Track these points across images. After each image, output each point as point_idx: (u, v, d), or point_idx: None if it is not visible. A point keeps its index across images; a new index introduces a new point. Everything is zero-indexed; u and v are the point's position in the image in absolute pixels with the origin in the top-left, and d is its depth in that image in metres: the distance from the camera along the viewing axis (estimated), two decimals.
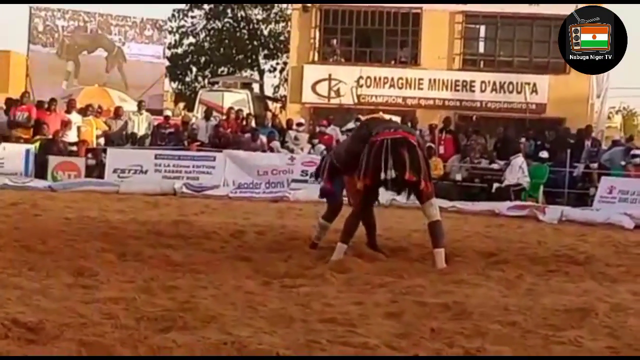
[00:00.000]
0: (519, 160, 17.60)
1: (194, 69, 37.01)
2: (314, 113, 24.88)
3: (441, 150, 19.55)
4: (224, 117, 21.36)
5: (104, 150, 18.62)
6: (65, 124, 18.86)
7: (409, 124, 20.21)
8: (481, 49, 26.52)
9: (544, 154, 18.39)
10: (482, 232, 12.09)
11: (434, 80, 24.88)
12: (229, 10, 36.76)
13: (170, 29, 34.85)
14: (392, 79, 25.06)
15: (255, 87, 33.19)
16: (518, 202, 16.38)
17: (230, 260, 8.14)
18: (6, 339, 4.60)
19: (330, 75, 25.22)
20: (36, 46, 29.08)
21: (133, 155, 18.60)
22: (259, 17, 37.19)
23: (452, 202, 16.06)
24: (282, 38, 35.88)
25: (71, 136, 18.92)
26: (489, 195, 17.40)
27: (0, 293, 5.87)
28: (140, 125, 20.47)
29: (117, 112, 20.65)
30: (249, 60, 37.34)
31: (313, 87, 25.23)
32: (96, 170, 18.34)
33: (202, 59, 36.97)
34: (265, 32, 37.26)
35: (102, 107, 20.66)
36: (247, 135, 19.70)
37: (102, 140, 19.67)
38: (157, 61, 30.71)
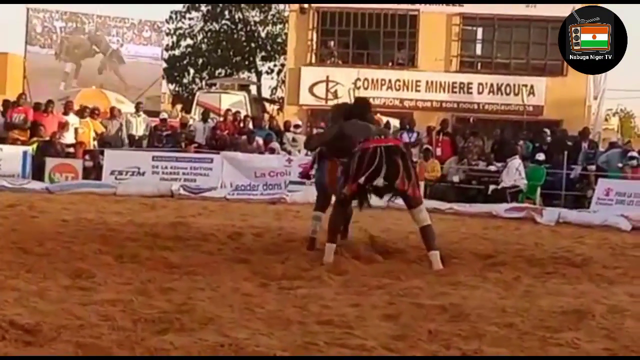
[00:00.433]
0: (515, 162, 17.61)
1: (192, 71, 37.02)
2: (311, 115, 24.91)
3: (438, 152, 19.55)
4: (221, 119, 21.35)
5: (102, 152, 18.60)
6: (63, 126, 18.85)
7: (407, 127, 20.40)
8: (478, 51, 26.57)
9: (541, 156, 18.40)
10: (479, 234, 12.09)
11: (431, 82, 24.92)
12: (226, 12, 36.78)
13: (167, 30, 34.87)
14: (390, 81, 25.10)
15: (253, 89, 33.21)
16: (515, 204, 16.39)
17: (228, 262, 8.14)
18: (3, 341, 4.59)
19: (327, 77, 25.25)
20: (34, 47, 29.03)
21: (130, 157, 18.58)
22: (257, 19, 37.21)
23: (450, 204, 16.07)
24: (279, 40, 35.88)
25: (68, 138, 18.90)
26: (486, 197, 17.41)
27: None
28: (138, 127, 20.45)
29: (112, 113, 20.61)
30: (247, 62, 37.35)
31: (310, 89, 25.26)
32: (93, 172, 18.31)
33: (200, 61, 36.98)
34: (263, 34, 37.27)
35: (99, 109, 20.62)
36: (245, 137, 19.70)
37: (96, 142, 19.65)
38: (155, 62, 30.71)
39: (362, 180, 8.17)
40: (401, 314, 5.82)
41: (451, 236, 10.80)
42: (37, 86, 27.06)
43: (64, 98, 22.42)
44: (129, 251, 8.41)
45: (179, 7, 36.44)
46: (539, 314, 5.95)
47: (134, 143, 19.84)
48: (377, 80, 25.15)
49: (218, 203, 15.97)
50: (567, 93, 23.97)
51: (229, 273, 7.41)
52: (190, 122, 21.78)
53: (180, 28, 36.73)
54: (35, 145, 18.33)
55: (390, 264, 8.28)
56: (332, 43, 25.89)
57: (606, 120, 35.25)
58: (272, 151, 19.05)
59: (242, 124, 20.95)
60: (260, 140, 19.29)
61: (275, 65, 37.00)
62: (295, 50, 26.01)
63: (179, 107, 30.58)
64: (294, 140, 19.90)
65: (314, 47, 25.80)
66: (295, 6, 25.98)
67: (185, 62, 36.85)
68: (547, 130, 20.43)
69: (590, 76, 23.66)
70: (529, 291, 7.04)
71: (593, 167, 18.23)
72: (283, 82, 32.25)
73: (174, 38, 36.46)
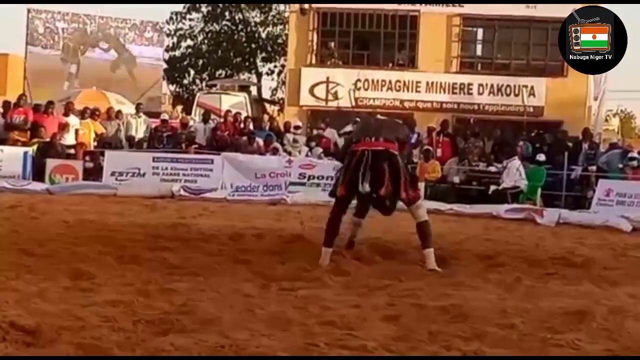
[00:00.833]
0: (515, 163, 17.61)
1: (192, 72, 37.01)
2: (311, 116, 24.88)
3: (439, 153, 19.55)
4: (222, 120, 21.36)
5: (102, 153, 18.60)
6: (63, 127, 18.86)
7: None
8: (479, 52, 26.54)
9: (542, 157, 18.40)
10: (480, 235, 12.09)
11: (432, 83, 24.89)
12: (226, 13, 36.78)
13: (168, 31, 34.88)
14: (390, 81, 25.07)
15: (253, 90, 33.24)
16: (516, 205, 16.39)
17: (229, 263, 8.14)
18: (4, 342, 4.60)
19: (328, 78, 25.22)
20: (36, 48, 29.06)
21: (131, 158, 18.58)
22: (257, 19, 37.20)
23: (450, 205, 16.06)
24: (279, 41, 35.87)
25: (69, 139, 18.91)
26: (487, 198, 17.41)
27: None
28: (138, 128, 20.46)
29: (109, 113, 20.60)
30: (247, 63, 37.35)
31: (311, 90, 25.23)
32: (94, 173, 18.32)
33: (200, 62, 36.97)
34: (263, 35, 37.27)
35: (99, 110, 20.62)
36: (245, 138, 19.70)
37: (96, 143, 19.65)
38: (157, 63, 30.78)
39: (347, 184, 8.20)
40: (402, 315, 5.82)
41: (452, 237, 10.80)
42: (38, 87, 27.07)
43: (65, 99, 22.42)
44: (130, 252, 8.41)
45: (179, 7, 36.51)
46: (540, 315, 5.95)
47: (134, 144, 19.84)
48: (377, 81, 25.12)
49: (218, 204, 15.96)
50: (568, 94, 23.95)
51: (230, 274, 7.41)
52: (191, 123, 21.78)
53: (181, 29, 36.74)
54: (35, 147, 18.33)
55: (391, 265, 8.28)
56: (332, 44, 25.87)
57: (606, 121, 35.27)
58: (275, 151, 19.04)
59: (242, 125, 20.95)
60: (260, 141, 19.29)
61: (275, 66, 37.04)
62: (295, 51, 25.99)
63: (179, 108, 30.61)
64: (294, 141, 19.91)
65: (314, 48, 25.79)
66: (296, 7, 25.95)
67: (185, 63, 36.85)
68: (546, 137, 20.47)
69: (591, 77, 23.66)
70: (529, 292, 7.04)
71: (594, 168, 18.24)
72: (283, 83, 32.24)
73: (175, 39, 36.48)
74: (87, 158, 18.61)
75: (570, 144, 19.73)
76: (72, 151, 18.63)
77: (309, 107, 25.22)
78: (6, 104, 19.81)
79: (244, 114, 22.66)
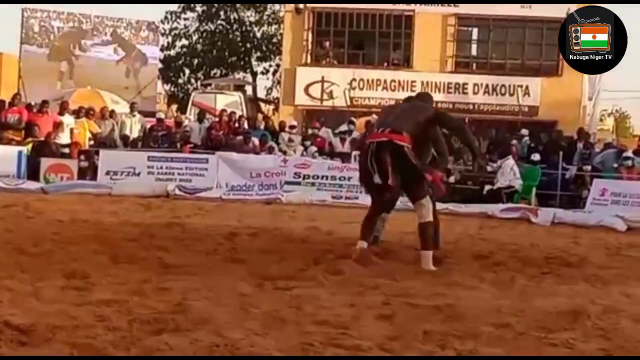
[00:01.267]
0: (509, 162, 17.63)
1: (187, 71, 37.01)
2: (306, 115, 24.91)
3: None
4: (217, 119, 21.35)
5: (97, 152, 18.58)
6: (57, 126, 18.82)
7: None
8: (474, 52, 26.60)
9: (537, 157, 18.42)
10: (474, 234, 12.12)
11: (427, 82, 24.92)
12: (221, 13, 36.77)
13: (163, 31, 34.85)
14: (385, 81, 25.11)
15: (248, 89, 33.23)
16: (511, 205, 16.41)
17: (223, 262, 8.13)
18: None
19: (323, 77, 25.25)
20: (31, 47, 29.03)
21: (126, 157, 18.56)
22: (252, 19, 37.21)
23: (445, 204, 16.04)
24: (274, 40, 35.90)
25: (63, 138, 18.88)
26: (482, 198, 17.42)
27: None
28: (133, 127, 20.44)
29: (103, 113, 20.58)
30: (242, 63, 37.36)
31: (306, 90, 25.26)
32: (89, 172, 18.30)
33: (195, 61, 36.97)
34: (258, 35, 37.28)
35: (94, 109, 20.60)
36: (240, 137, 19.69)
37: (93, 142, 19.63)
38: (153, 62, 30.73)
39: (360, 177, 8.25)
40: (397, 314, 5.82)
41: (447, 236, 10.79)
42: (33, 86, 27.03)
43: (59, 98, 22.38)
44: (125, 251, 8.40)
45: (174, 6, 36.51)
46: (535, 314, 5.96)
47: (129, 143, 19.82)
48: (372, 81, 25.15)
49: (213, 203, 15.97)
50: (563, 93, 24.01)
51: (225, 273, 7.40)
52: (186, 122, 21.77)
53: (176, 28, 36.74)
54: (30, 146, 18.30)
55: (386, 264, 8.28)
56: (327, 43, 25.90)
57: (601, 120, 35.34)
58: (271, 150, 19.03)
59: (237, 124, 20.94)
60: (256, 141, 19.29)
61: (270, 66, 37.06)
62: (290, 50, 26.01)
63: (174, 107, 30.62)
64: (289, 140, 19.91)
65: (310, 47, 25.81)
66: (291, 6, 25.97)
67: (180, 62, 36.85)
68: (541, 136, 20.49)
69: (586, 77, 23.73)
70: (524, 291, 7.05)
71: (588, 168, 18.26)
72: (278, 82, 32.24)
73: (170, 38, 36.47)
74: (82, 157, 18.57)
75: (564, 144, 19.74)
76: (66, 150, 18.59)
77: (304, 106, 25.25)
78: (0, 103, 19.77)
79: (238, 114, 22.65)
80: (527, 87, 24.61)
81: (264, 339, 4.89)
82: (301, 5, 25.49)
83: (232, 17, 36.95)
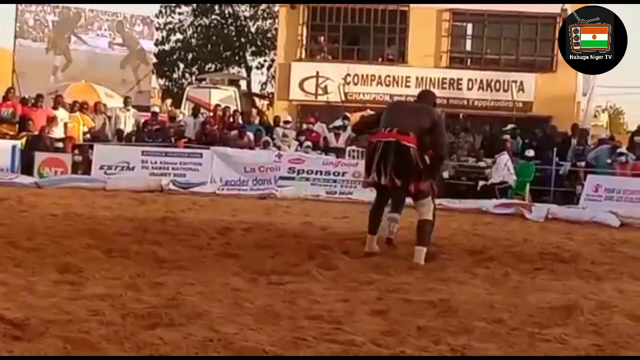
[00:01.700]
0: (504, 158, 17.65)
1: (181, 66, 36.96)
2: (301, 110, 24.90)
3: None
4: (211, 114, 21.33)
5: (91, 147, 18.56)
6: (51, 120, 18.79)
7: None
8: (468, 47, 26.60)
9: (530, 152, 18.44)
10: (468, 230, 12.12)
11: (421, 78, 24.93)
12: (216, 7, 36.71)
13: (157, 25, 34.77)
14: (380, 76, 25.12)
15: (243, 84, 33.22)
16: (505, 200, 16.43)
17: (217, 257, 8.13)
18: None
19: (317, 72, 25.25)
20: (26, 41, 28.93)
21: (120, 151, 18.55)
22: (247, 14, 37.16)
23: (439, 200, 16.02)
24: (269, 35, 35.87)
25: (57, 132, 18.85)
26: (475, 193, 17.44)
27: None
28: (127, 121, 20.41)
29: (96, 108, 20.54)
30: (236, 57, 37.32)
31: (300, 85, 25.25)
32: (83, 166, 18.29)
33: (190, 56, 36.93)
34: (253, 29, 37.24)
35: (87, 103, 20.56)
36: (234, 132, 19.68)
37: (88, 137, 19.60)
38: (149, 56, 30.66)
39: (369, 175, 8.29)
40: (390, 309, 5.82)
41: (441, 232, 10.79)
42: (27, 80, 26.97)
43: (54, 92, 22.34)
44: (118, 246, 8.40)
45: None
46: (528, 309, 5.96)
47: (123, 138, 19.79)
48: (367, 76, 25.16)
49: (208, 198, 15.95)
50: (557, 89, 24.04)
51: (219, 268, 7.41)
52: (180, 117, 21.75)
53: (170, 23, 36.68)
54: (24, 140, 18.27)
55: (380, 259, 8.28)
56: (322, 38, 25.90)
57: (595, 116, 35.36)
58: (266, 145, 19.01)
59: (231, 119, 20.92)
60: (251, 135, 19.28)
61: (265, 61, 37.04)
62: (285, 45, 25.99)
63: (168, 102, 30.58)
64: (284, 135, 19.91)
65: (304, 42, 25.80)
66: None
67: (175, 57, 36.78)
68: (536, 131, 20.50)
69: (580, 73, 23.74)
70: (517, 287, 7.05)
71: (582, 164, 18.28)
72: (273, 77, 32.22)
73: (164, 33, 36.40)
74: (76, 152, 18.57)
75: (558, 140, 19.76)
76: (60, 145, 18.56)
77: (299, 101, 25.25)
78: None
79: (233, 108, 22.63)
80: (521, 83, 24.64)
81: (257, 334, 4.89)
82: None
83: (226, 11, 36.89)
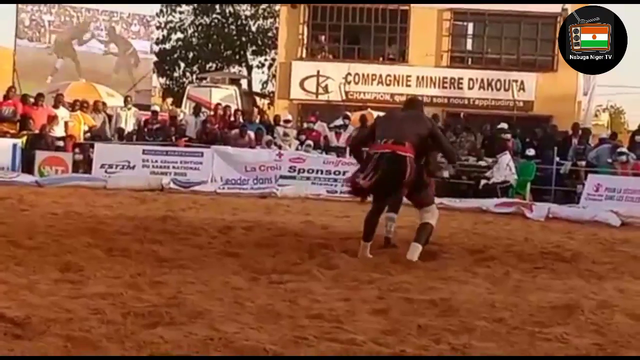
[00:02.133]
0: (506, 157, 17.64)
1: (182, 65, 36.97)
2: (302, 109, 24.91)
3: None
4: (212, 113, 21.33)
5: (92, 146, 18.56)
6: (52, 119, 18.79)
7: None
8: (469, 47, 26.61)
9: (531, 152, 18.44)
10: (469, 229, 12.12)
11: (422, 77, 24.95)
12: (217, 6, 36.71)
13: (158, 24, 34.77)
14: (380, 75, 25.13)
15: (244, 83, 33.21)
16: (505, 199, 16.43)
17: (218, 256, 8.13)
18: None
19: (318, 71, 25.26)
20: (22, 41, 28.94)
21: (121, 150, 18.55)
22: (247, 13, 37.17)
23: (440, 199, 16.05)
24: (270, 34, 35.88)
25: (58, 131, 18.85)
26: (476, 193, 17.44)
27: None
28: (127, 120, 20.41)
29: (96, 106, 20.54)
30: (237, 56, 37.33)
31: (301, 84, 25.26)
32: (83, 165, 18.29)
33: (190, 55, 36.94)
34: (254, 28, 37.25)
35: (87, 102, 20.56)
36: (235, 131, 19.68)
37: (89, 135, 19.61)
38: (143, 57, 30.58)
39: (364, 183, 8.29)
40: (391, 308, 5.82)
41: (441, 231, 10.80)
42: (26, 79, 26.96)
43: (54, 91, 22.34)
44: (119, 245, 8.40)
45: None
46: (529, 308, 5.96)
47: (124, 137, 19.79)
48: (367, 75, 25.17)
49: (208, 197, 15.96)
50: (558, 89, 24.04)
51: (219, 267, 7.41)
52: (181, 116, 21.75)
53: (171, 21, 36.69)
54: (25, 138, 18.27)
55: (380, 258, 8.28)
56: (323, 37, 25.90)
57: (596, 116, 35.35)
58: (269, 144, 19.01)
59: (232, 118, 20.92)
60: (252, 134, 19.27)
61: (266, 60, 37.06)
62: (286, 44, 26.00)
63: (169, 100, 30.56)
64: (285, 134, 19.90)
65: (305, 41, 25.80)
66: None
67: (175, 55, 36.80)
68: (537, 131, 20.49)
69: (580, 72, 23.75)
70: (518, 286, 7.05)
71: (583, 163, 18.28)
72: (274, 76, 32.24)
73: (165, 32, 36.40)
74: (77, 150, 18.57)
75: (559, 139, 19.75)
76: (61, 143, 18.56)
77: (300, 100, 25.25)
78: None
79: (234, 107, 22.63)
80: (522, 82, 24.65)
81: (258, 333, 4.89)
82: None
83: (227, 10, 36.89)
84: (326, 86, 25.15)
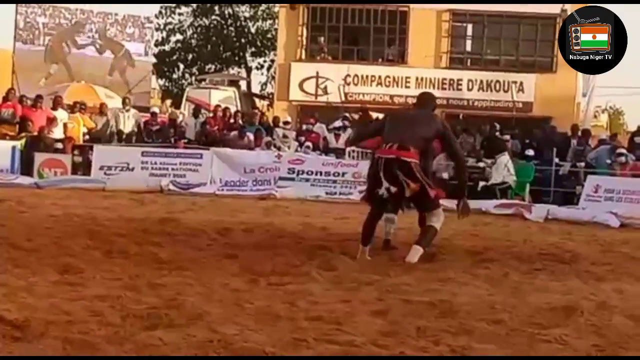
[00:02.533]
0: (504, 158, 17.63)
1: (181, 66, 37.02)
2: (301, 111, 24.91)
3: None
4: (211, 115, 21.33)
5: (91, 147, 18.55)
6: (51, 121, 18.79)
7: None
8: (468, 48, 26.62)
9: (530, 153, 18.44)
10: (468, 230, 12.10)
11: (421, 78, 24.95)
12: (216, 8, 36.73)
13: (157, 25, 34.78)
14: (380, 77, 25.14)
15: (243, 85, 33.22)
16: (504, 201, 16.43)
17: (217, 257, 8.13)
18: None
19: (317, 73, 25.26)
20: (17, 43, 28.95)
21: (120, 152, 18.54)
22: (247, 14, 37.21)
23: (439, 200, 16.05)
24: (269, 35, 35.92)
25: (57, 133, 18.84)
26: (475, 194, 17.41)
27: None
28: (127, 122, 20.41)
29: (102, 109, 20.58)
30: (237, 58, 37.36)
31: (300, 85, 25.26)
32: (82, 167, 18.28)
33: (190, 56, 36.98)
34: (253, 30, 37.29)
35: (85, 104, 20.57)
36: (234, 132, 19.68)
37: (88, 137, 19.61)
38: (138, 59, 30.50)
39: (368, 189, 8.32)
40: (390, 310, 5.82)
41: (440, 232, 10.81)
42: (24, 81, 26.96)
43: (53, 93, 22.34)
44: (118, 247, 8.39)
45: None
46: (528, 310, 5.96)
47: (123, 139, 19.79)
48: (367, 77, 25.17)
49: (207, 199, 15.95)
50: (557, 90, 24.05)
51: (218, 269, 7.40)
52: (180, 117, 21.75)
53: (170, 23, 36.71)
54: (24, 140, 18.27)
55: (380, 260, 8.29)
56: (322, 39, 25.90)
57: (595, 117, 35.33)
58: (269, 144, 19.00)
59: (232, 120, 20.92)
60: (251, 136, 19.27)
61: (265, 61, 37.11)
62: (285, 46, 26.00)
63: (168, 102, 30.57)
64: (284, 136, 19.89)
65: (304, 42, 25.81)
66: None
67: (174, 57, 36.82)
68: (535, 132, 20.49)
69: (580, 73, 23.75)
70: (517, 287, 7.05)
71: (582, 164, 18.28)
72: (273, 77, 32.26)
73: (164, 33, 36.42)
74: (76, 152, 18.57)
75: (558, 140, 19.75)
76: (60, 145, 18.56)
77: (299, 102, 25.25)
78: None
79: (233, 109, 22.63)
80: (521, 83, 24.66)
81: (257, 335, 4.89)
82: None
83: (226, 12, 36.92)
84: (325, 87, 25.15)
